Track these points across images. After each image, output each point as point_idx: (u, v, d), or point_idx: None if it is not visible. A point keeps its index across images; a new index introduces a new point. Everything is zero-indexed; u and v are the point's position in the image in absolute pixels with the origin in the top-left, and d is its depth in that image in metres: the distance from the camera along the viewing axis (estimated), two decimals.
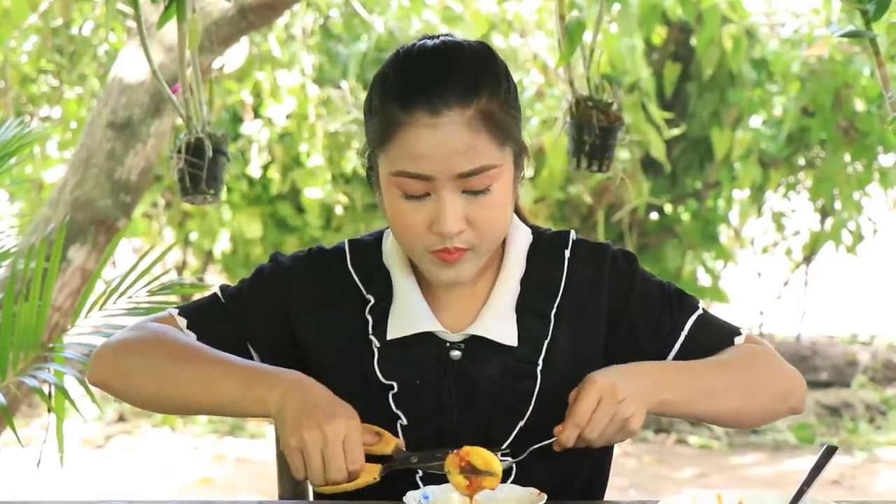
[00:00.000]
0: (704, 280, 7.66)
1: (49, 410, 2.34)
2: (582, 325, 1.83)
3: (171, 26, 2.69)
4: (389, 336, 1.81)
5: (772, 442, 6.52)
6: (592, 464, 1.89)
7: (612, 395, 1.66)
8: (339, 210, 6.83)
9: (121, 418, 7.05)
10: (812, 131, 7.03)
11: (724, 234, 7.76)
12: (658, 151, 6.40)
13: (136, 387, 1.80)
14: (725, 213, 7.68)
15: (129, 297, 2.45)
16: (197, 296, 2.27)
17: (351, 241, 1.90)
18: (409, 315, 1.81)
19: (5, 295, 2.36)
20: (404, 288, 1.83)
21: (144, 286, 2.48)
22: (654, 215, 7.51)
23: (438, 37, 1.79)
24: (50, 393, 2.32)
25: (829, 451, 1.68)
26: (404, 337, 1.80)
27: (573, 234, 1.89)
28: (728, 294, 7.72)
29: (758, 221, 7.92)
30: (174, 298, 2.53)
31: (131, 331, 1.84)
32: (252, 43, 6.27)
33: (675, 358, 1.84)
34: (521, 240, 1.86)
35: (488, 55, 1.76)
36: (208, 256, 7.49)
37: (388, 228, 1.89)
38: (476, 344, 1.81)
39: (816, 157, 7.49)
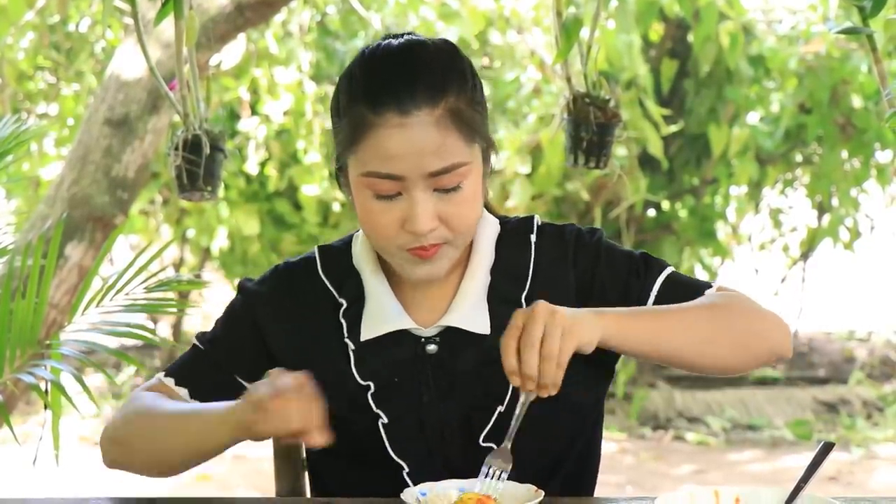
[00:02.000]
0: (702, 276, 7.66)
1: (45, 407, 2.34)
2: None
3: (169, 23, 2.69)
4: (363, 337, 1.83)
5: (769, 438, 6.53)
6: (577, 458, 1.88)
7: (559, 322, 1.62)
8: (336, 207, 6.83)
9: None
10: (809, 128, 7.04)
11: (722, 231, 7.77)
12: (655, 148, 6.40)
13: (137, 457, 1.85)
14: (723, 210, 7.68)
15: (127, 294, 2.45)
16: (194, 294, 2.28)
17: (321, 249, 1.92)
18: (382, 315, 1.83)
19: (2, 292, 2.36)
20: (375, 289, 1.84)
21: (142, 283, 2.47)
22: (651, 212, 7.51)
23: (402, 35, 1.79)
24: (46, 390, 2.32)
25: (827, 448, 1.68)
26: (378, 337, 1.82)
27: (537, 219, 1.90)
28: None
29: (755, 218, 7.93)
30: (171, 295, 2.53)
31: (123, 409, 1.88)
32: (249, 40, 6.27)
33: None
34: (488, 231, 1.88)
35: (454, 53, 1.77)
36: (206, 253, 7.49)
37: (356, 232, 1.92)
38: (450, 336, 1.82)
39: (814, 153, 7.50)
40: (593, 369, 1.83)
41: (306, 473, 2.07)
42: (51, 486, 5.08)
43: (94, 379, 7.28)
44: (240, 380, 1.87)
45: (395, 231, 1.73)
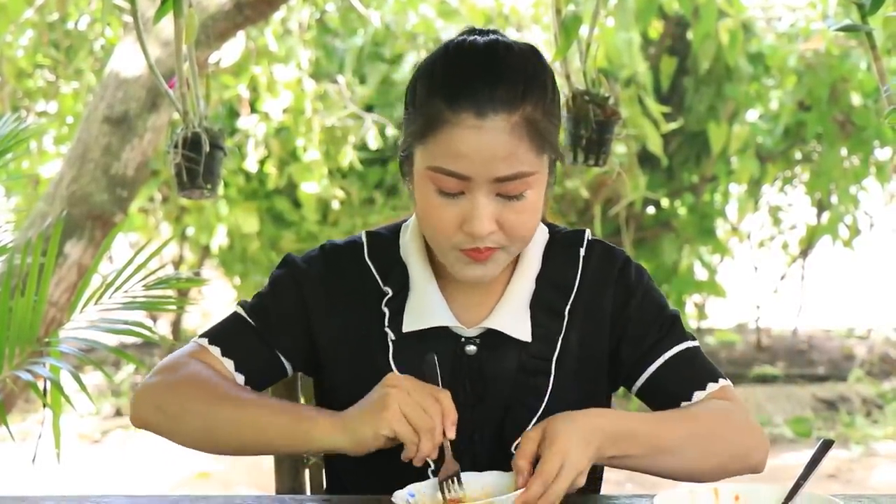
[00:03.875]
0: (701, 274, 7.66)
1: (44, 406, 2.34)
2: (592, 324, 1.85)
3: (168, 21, 2.69)
4: (405, 329, 1.82)
5: (768, 436, 6.50)
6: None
7: (573, 465, 1.63)
8: (335, 205, 6.82)
9: (117, 413, 7.05)
10: (809, 125, 7.04)
11: (721, 229, 7.77)
12: (655, 146, 6.40)
13: (184, 430, 1.79)
14: (722, 208, 7.68)
15: (126, 292, 2.45)
16: (193, 291, 2.27)
17: (369, 234, 1.90)
18: (426, 308, 1.82)
19: (2, 290, 2.36)
20: (421, 282, 1.84)
21: (141, 281, 2.47)
22: (650, 209, 7.51)
23: (488, 33, 1.77)
24: (45, 388, 2.32)
25: (826, 445, 1.68)
26: (420, 330, 1.81)
27: (588, 234, 1.90)
28: (725, 288, 7.73)
29: (754, 215, 7.93)
30: (170, 293, 2.53)
31: (168, 371, 1.82)
32: (248, 37, 6.26)
33: (648, 379, 1.83)
34: (538, 238, 1.87)
35: (537, 61, 1.76)
36: (205, 251, 7.49)
37: (404, 222, 1.90)
38: (491, 339, 1.82)
39: (813, 151, 7.50)
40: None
41: (307, 471, 2.07)
42: (50, 484, 5.08)
43: (94, 377, 7.27)
44: (280, 356, 1.84)
45: (452, 230, 1.72)
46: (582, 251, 1.88)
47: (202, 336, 1.86)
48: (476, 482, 1.70)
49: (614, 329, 1.85)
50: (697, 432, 1.76)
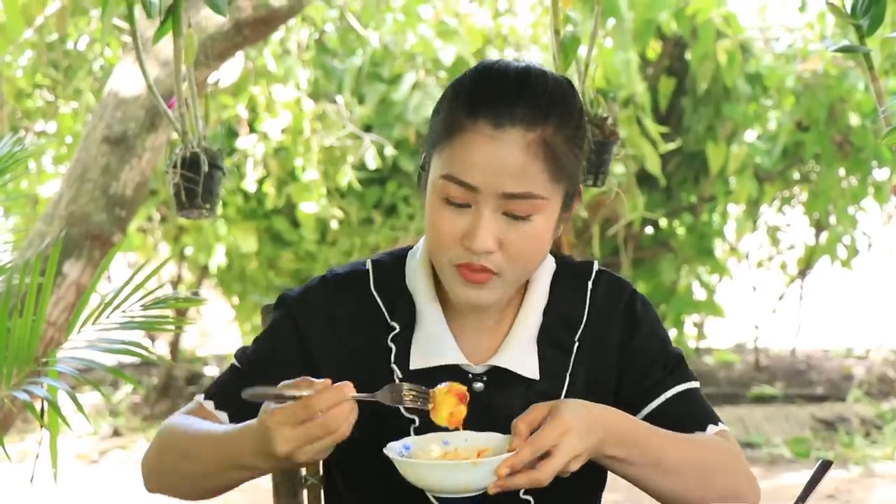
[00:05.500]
0: (700, 294, 7.67)
1: (41, 426, 2.33)
2: (599, 358, 1.83)
3: (167, 41, 2.69)
4: (412, 367, 1.78)
5: (767, 456, 6.51)
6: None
7: (571, 446, 1.61)
8: (334, 224, 6.83)
9: (115, 433, 7.04)
10: (807, 146, 7.05)
11: (720, 249, 7.78)
12: (653, 166, 6.41)
13: (179, 485, 1.80)
14: (720, 228, 7.69)
15: (124, 312, 2.44)
16: (192, 311, 2.26)
17: (375, 263, 1.86)
18: (433, 346, 1.78)
19: (0, 310, 2.35)
20: (429, 316, 1.79)
21: (139, 300, 2.47)
22: (649, 229, 7.52)
23: (525, 62, 1.77)
24: (42, 408, 2.31)
25: (825, 466, 1.67)
26: (427, 368, 1.77)
27: (596, 265, 1.88)
28: (723, 308, 7.73)
29: (753, 235, 7.94)
30: (169, 312, 2.53)
31: (158, 434, 1.83)
32: (247, 58, 6.27)
33: (647, 416, 1.81)
34: (545, 268, 1.84)
35: (567, 89, 1.74)
36: (203, 271, 7.49)
37: (409, 249, 1.86)
38: (498, 376, 1.79)
39: (811, 171, 7.51)
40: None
41: (304, 491, 2.06)
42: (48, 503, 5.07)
43: (91, 397, 7.26)
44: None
45: (452, 241, 1.69)
46: (590, 284, 1.85)
47: (206, 397, 1.84)
48: (477, 440, 1.68)
49: (619, 362, 1.83)
50: (702, 461, 1.75)
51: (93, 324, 2.44)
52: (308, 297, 1.83)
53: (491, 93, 1.69)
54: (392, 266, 1.85)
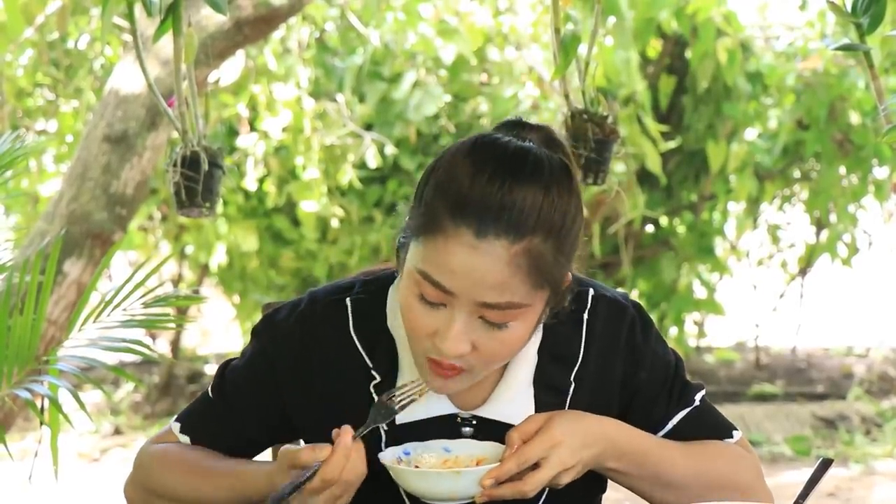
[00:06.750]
0: (700, 292, 7.66)
1: (41, 424, 2.34)
2: (598, 392, 1.77)
3: (167, 40, 2.69)
4: (399, 421, 1.72)
5: (768, 454, 6.52)
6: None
7: (559, 459, 1.60)
8: (334, 223, 6.83)
9: (116, 431, 7.05)
10: (807, 144, 7.04)
11: (720, 247, 7.77)
12: (654, 164, 6.41)
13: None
14: (721, 226, 7.68)
15: (124, 310, 2.44)
16: (192, 310, 2.27)
17: (354, 303, 1.76)
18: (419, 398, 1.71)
19: (1, 308, 2.36)
20: (410, 364, 1.70)
21: (139, 299, 2.47)
22: (649, 228, 7.51)
23: (525, 126, 1.67)
24: (43, 406, 2.32)
25: (825, 464, 1.67)
26: (415, 421, 1.72)
27: (592, 292, 1.78)
28: (724, 306, 7.73)
29: (753, 234, 7.93)
30: (169, 311, 2.53)
31: (140, 457, 1.84)
32: (248, 56, 6.27)
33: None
34: None
35: (563, 184, 1.61)
36: (204, 269, 7.49)
37: (391, 286, 1.77)
38: (488, 423, 1.73)
39: (812, 169, 7.51)
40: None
41: None
42: (49, 502, 5.07)
43: (93, 395, 7.26)
44: (245, 443, 1.82)
45: (425, 335, 1.61)
46: (586, 316, 1.76)
47: (176, 420, 1.85)
48: (477, 449, 1.69)
49: (622, 398, 1.78)
50: (707, 473, 1.74)
51: (94, 322, 2.44)
52: (289, 336, 1.77)
53: (477, 196, 1.56)
54: (371, 303, 1.76)
